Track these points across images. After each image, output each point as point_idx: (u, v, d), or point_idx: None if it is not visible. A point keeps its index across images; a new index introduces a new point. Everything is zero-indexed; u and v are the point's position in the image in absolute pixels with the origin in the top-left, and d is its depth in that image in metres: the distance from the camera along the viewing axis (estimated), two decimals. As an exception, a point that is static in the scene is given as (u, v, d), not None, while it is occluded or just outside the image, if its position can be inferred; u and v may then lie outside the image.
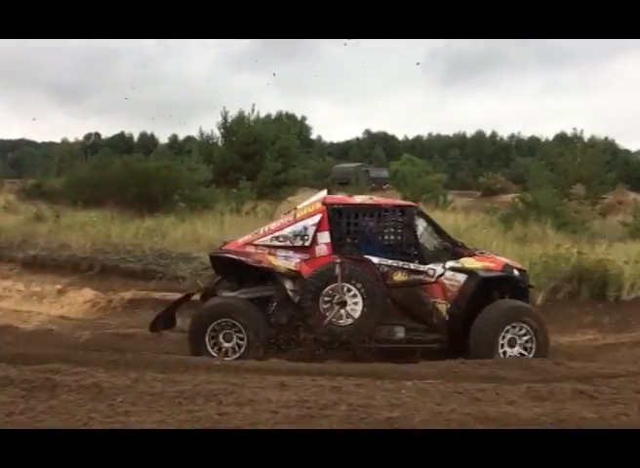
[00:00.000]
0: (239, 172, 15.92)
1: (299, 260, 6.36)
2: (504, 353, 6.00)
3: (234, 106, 17.71)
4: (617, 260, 9.10)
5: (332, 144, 63.22)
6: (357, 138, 63.25)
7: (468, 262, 6.49)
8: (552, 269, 9.24)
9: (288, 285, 6.32)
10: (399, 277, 6.36)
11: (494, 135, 62.04)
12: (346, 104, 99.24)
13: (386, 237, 6.72)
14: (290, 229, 6.44)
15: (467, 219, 14.96)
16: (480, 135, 62.16)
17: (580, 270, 8.96)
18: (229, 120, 17.65)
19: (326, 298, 6.16)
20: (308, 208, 6.61)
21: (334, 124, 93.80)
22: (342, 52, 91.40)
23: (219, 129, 17.64)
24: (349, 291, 6.17)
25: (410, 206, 6.97)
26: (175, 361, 5.47)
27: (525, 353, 6.01)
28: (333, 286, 6.16)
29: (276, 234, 6.46)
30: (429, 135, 65.50)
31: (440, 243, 6.72)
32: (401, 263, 6.39)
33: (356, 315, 6.16)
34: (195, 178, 13.47)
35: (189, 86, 76.41)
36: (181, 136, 49.29)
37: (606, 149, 21.49)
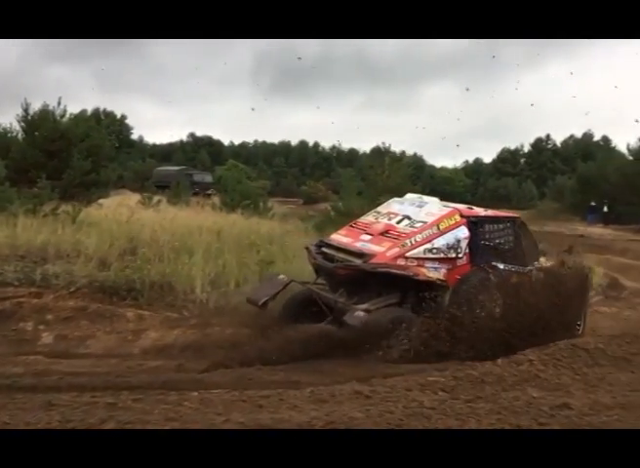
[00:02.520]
0: (41, 170, 14.48)
1: (445, 271, 6.70)
2: None
3: (45, 100, 15.98)
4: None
5: (154, 146, 60.95)
6: (181, 141, 61.63)
7: (544, 261, 7.80)
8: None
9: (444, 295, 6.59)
10: (514, 279, 7.01)
11: (316, 145, 64.40)
12: (172, 106, 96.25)
13: (504, 245, 7.46)
14: (442, 241, 6.76)
15: (283, 226, 15.24)
16: (304, 144, 64.14)
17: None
18: (32, 113, 16.06)
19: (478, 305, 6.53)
20: (448, 221, 6.92)
21: (158, 125, 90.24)
22: (169, 52, 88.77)
23: (19, 122, 15.96)
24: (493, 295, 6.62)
25: (517, 217, 8.01)
26: None
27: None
28: (485, 294, 6.61)
29: (428, 246, 6.65)
30: (255, 141, 66.05)
31: (530, 246, 7.75)
32: (516, 267, 7.23)
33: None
34: (-15, 175, 12.00)
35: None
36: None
37: (412, 164, 23.29)
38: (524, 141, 58.86)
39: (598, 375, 4.95)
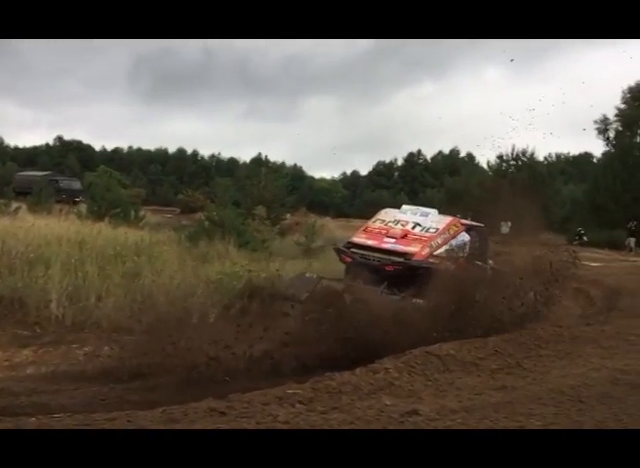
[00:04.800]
0: None
1: (453, 268, 7.72)
2: None
3: None
4: (286, 276, 9.86)
5: (17, 149, 56.67)
6: (47, 145, 57.79)
7: (491, 262, 9.00)
8: (226, 286, 9.67)
9: None
10: (484, 274, 8.17)
11: (195, 153, 63.13)
12: (38, 107, 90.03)
13: (477, 247, 8.75)
14: (455, 243, 8.26)
15: (154, 236, 14.66)
16: (182, 152, 62.64)
17: (250, 287, 9.53)
18: None
19: None
20: (454, 227, 8.55)
21: (21, 127, 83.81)
22: (37, 50, 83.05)
23: None
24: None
25: (482, 225, 9.33)
26: None
27: None
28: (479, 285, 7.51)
29: (447, 247, 8.06)
30: (130, 148, 63.45)
31: (487, 248, 9.20)
32: (484, 265, 8.55)
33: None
34: None
35: None
36: None
37: (289, 174, 23.54)
38: (398, 155, 61.69)
39: (448, 380, 5.20)
